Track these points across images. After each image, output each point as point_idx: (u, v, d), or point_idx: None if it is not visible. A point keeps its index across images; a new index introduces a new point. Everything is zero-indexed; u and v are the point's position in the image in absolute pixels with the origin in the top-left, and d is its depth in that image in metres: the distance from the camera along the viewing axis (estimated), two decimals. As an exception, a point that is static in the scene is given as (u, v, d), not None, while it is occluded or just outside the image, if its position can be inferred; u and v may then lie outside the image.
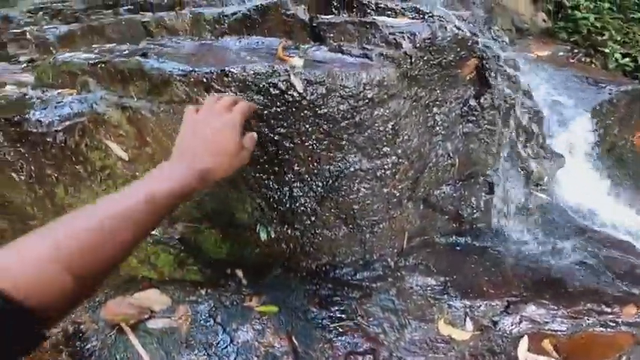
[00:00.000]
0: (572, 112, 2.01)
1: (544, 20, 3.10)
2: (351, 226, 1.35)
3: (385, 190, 1.36)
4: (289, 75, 1.12)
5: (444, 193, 1.53)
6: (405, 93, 1.28)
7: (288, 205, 1.29)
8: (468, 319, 1.26)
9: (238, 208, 1.29)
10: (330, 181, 1.28)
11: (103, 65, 1.31)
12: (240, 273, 1.32)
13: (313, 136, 1.20)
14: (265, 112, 1.15)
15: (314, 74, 1.13)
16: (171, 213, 0.62)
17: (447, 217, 1.58)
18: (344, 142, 1.22)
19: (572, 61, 2.69)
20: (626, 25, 3.07)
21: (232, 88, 1.11)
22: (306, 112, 1.16)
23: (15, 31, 2.26)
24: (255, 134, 0.85)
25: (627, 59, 2.99)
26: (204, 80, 1.12)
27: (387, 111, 1.22)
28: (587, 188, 1.94)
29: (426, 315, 1.26)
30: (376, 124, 1.22)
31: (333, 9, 1.62)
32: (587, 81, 2.29)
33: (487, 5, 2.88)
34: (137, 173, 1.31)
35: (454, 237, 1.56)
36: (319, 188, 1.28)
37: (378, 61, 1.28)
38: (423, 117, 1.37)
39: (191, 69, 1.15)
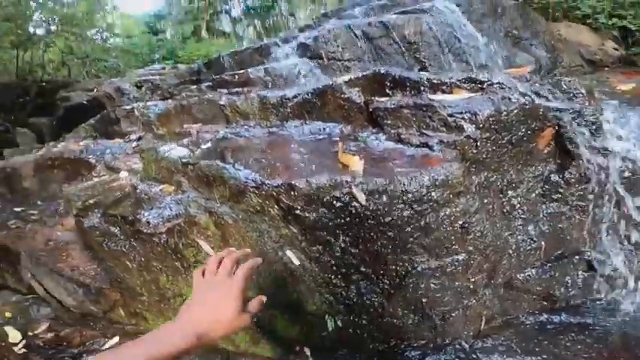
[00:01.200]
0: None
1: (615, 48, 2.76)
2: (420, 315, 1.19)
3: (457, 284, 1.17)
4: (351, 187, 1.04)
5: (529, 276, 1.29)
6: (474, 186, 1.11)
7: (355, 300, 1.20)
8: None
9: (307, 301, 1.29)
10: (397, 280, 1.15)
11: (192, 167, 1.43)
12: (308, 351, 1.33)
13: (378, 242, 1.08)
14: (330, 223, 1.10)
15: (375, 183, 1.02)
16: None
17: (534, 297, 1.32)
18: (409, 245, 1.08)
19: (664, 90, 2.29)
20: None
21: (299, 201, 1.09)
22: (370, 221, 1.05)
23: (126, 107, 2.59)
24: (262, 299, 0.84)
25: None
26: (274, 194, 1.14)
27: (455, 209, 1.06)
28: None
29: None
30: (444, 225, 1.06)
31: (387, 89, 1.55)
32: None
33: (548, 44, 2.62)
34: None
35: (545, 315, 1.30)
36: (386, 286, 1.16)
37: (440, 150, 1.14)
38: (497, 204, 1.18)
39: (261, 181, 1.18)
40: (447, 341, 1.24)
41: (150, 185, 1.59)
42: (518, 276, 1.29)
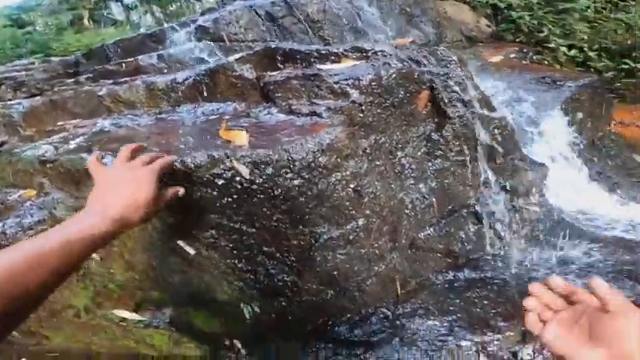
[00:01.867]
0: (541, 117, 1.90)
1: (487, 25, 3.08)
2: (336, 288, 1.17)
3: (363, 251, 1.19)
4: (232, 161, 0.97)
5: (429, 235, 1.37)
6: (362, 149, 1.13)
7: (266, 283, 1.14)
8: (482, 356, 1.12)
9: (217, 290, 1.21)
10: (304, 255, 1.12)
11: (51, 165, 1.26)
12: (238, 344, 1.27)
13: (274, 218, 1.03)
14: (217, 203, 1.03)
15: (258, 154, 0.97)
16: (88, 256, 0.66)
17: (438, 255, 1.42)
18: (307, 216, 1.05)
19: (524, 62, 2.62)
20: (559, 18, 3.07)
21: (182, 184, 0.97)
22: (259, 196, 0.99)
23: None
24: (180, 190, 0.85)
25: (574, 51, 2.95)
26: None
27: (345, 173, 1.06)
28: (577, 190, 1.80)
29: None
30: (337, 191, 1.05)
31: (279, 64, 1.50)
32: (545, 81, 2.19)
33: (434, 21, 2.85)
34: (112, 271, 1.30)
35: (451, 273, 1.41)
36: (294, 263, 1.12)
37: (328, 117, 1.13)
38: (388, 165, 1.21)
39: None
40: (370, 311, 1.25)
41: (6, 193, 1.37)
42: (419, 235, 1.35)
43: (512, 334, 1.14)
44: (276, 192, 0.99)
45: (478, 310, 1.24)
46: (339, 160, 1.04)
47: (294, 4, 2.51)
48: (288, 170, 0.99)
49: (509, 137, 1.55)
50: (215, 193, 1.00)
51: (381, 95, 1.18)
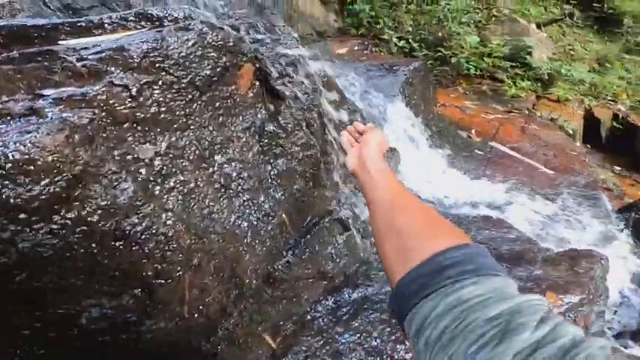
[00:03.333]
0: (383, 101, 1.75)
1: (335, 20, 2.98)
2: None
3: (185, 322, 0.70)
4: None
5: (289, 261, 0.98)
6: (147, 157, 0.63)
7: None
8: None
9: None
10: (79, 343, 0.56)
11: None
12: None
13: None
14: None
15: None
16: None
17: (309, 281, 1.04)
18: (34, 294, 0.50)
19: (366, 52, 2.59)
20: (394, 13, 3.24)
21: None
22: None
23: None
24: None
25: (402, 42, 3.12)
26: None
27: (86, 208, 0.54)
28: (430, 171, 1.70)
29: None
30: (75, 244, 0.53)
31: (1, 47, 0.85)
32: (384, 67, 2.15)
33: (285, 14, 2.56)
34: None
35: (331, 299, 1.06)
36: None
37: (53, 114, 0.59)
38: (202, 178, 0.75)
39: None
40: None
41: None
42: (275, 266, 0.93)
43: None
44: None
45: (375, 340, 0.94)
46: (51, 187, 0.50)
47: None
48: None
49: (361, 122, 1.27)
50: None
51: (171, 73, 0.70)
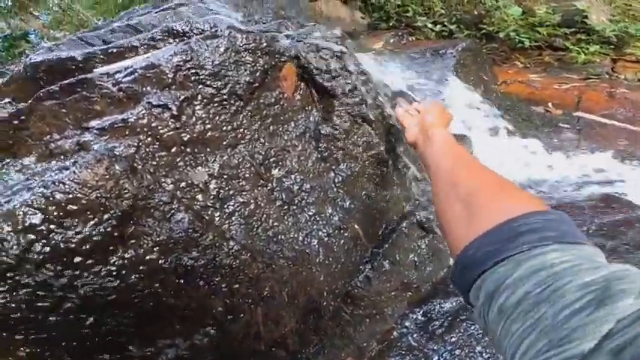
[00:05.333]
0: (437, 87, 1.61)
1: (362, 17, 2.94)
2: None
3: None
4: None
5: (367, 276, 0.87)
6: (200, 183, 0.57)
7: None
8: None
9: None
10: None
11: None
12: None
13: None
14: None
15: None
16: None
17: (392, 294, 0.91)
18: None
19: (403, 43, 2.48)
20: (421, 0, 3.12)
21: None
22: None
23: None
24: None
25: (438, 26, 2.96)
26: None
27: (141, 247, 0.48)
28: (513, 154, 1.51)
29: None
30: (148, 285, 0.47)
31: (44, 84, 0.88)
32: (427, 53, 2.03)
33: (312, 21, 2.60)
34: None
35: (419, 312, 0.93)
36: None
37: (99, 147, 0.56)
38: (261, 197, 0.68)
39: None
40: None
41: None
42: (354, 282, 0.83)
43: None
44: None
45: (481, 355, 0.80)
46: (101, 227, 0.45)
47: (143, 27, 1.92)
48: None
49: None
50: None
51: (208, 84, 0.65)
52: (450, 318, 0.88)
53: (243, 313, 0.60)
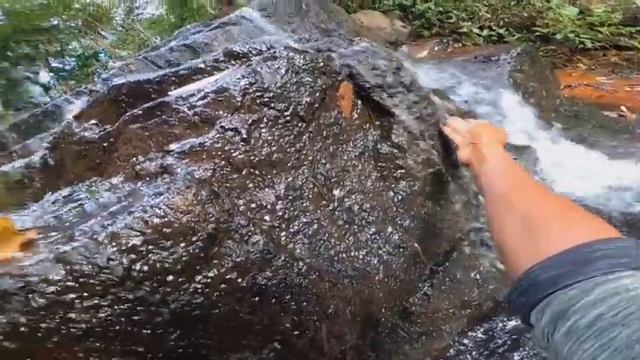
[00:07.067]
0: (493, 96, 1.57)
1: (403, 26, 2.94)
2: None
3: None
4: None
5: (426, 293, 0.87)
6: (262, 205, 0.61)
7: None
8: None
9: None
10: None
11: None
12: None
13: None
14: None
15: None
16: None
17: (451, 311, 0.90)
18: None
19: (449, 50, 2.44)
20: (462, 4, 3.06)
21: None
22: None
23: None
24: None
25: (486, 31, 2.89)
26: None
27: (218, 267, 0.52)
28: (582, 165, 1.42)
29: None
30: (220, 307, 0.51)
31: (126, 107, 0.98)
32: (479, 60, 1.98)
33: (353, 33, 2.65)
34: None
35: (480, 329, 0.91)
36: None
37: (181, 170, 0.61)
38: (324, 217, 0.70)
39: None
40: None
41: None
42: (412, 299, 0.84)
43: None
44: (78, 332, 0.42)
45: None
46: (190, 248, 0.49)
47: (197, 46, 2.10)
48: (75, 297, 0.42)
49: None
50: None
51: (272, 106, 0.70)
52: (514, 336, 0.86)
53: (309, 330, 0.62)
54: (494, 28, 2.89)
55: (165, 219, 0.46)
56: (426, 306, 0.87)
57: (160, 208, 0.46)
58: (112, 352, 0.48)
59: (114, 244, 0.45)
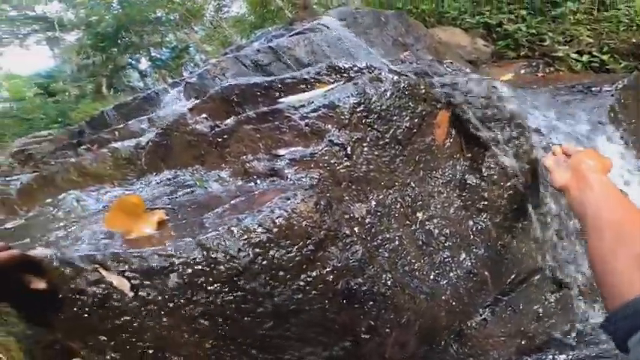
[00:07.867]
0: (589, 132, 1.49)
1: (485, 45, 2.83)
2: None
3: None
4: (100, 271, 0.53)
5: (484, 319, 0.89)
6: (354, 218, 0.68)
7: None
8: None
9: None
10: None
11: None
12: None
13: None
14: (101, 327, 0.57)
15: (147, 259, 0.53)
16: None
17: (502, 339, 0.91)
18: (266, 344, 0.58)
19: (539, 75, 2.31)
20: (560, 27, 2.86)
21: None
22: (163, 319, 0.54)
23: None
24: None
25: (586, 57, 2.68)
26: None
27: (322, 269, 0.60)
28: None
29: None
30: (313, 302, 0.59)
31: (235, 107, 1.11)
32: (577, 89, 1.85)
33: (431, 48, 2.61)
34: None
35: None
36: None
37: (291, 176, 0.70)
38: (406, 235, 0.76)
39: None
40: None
41: None
42: (469, 323, 0.87)
43: None
44: (197, 310, 0.52)
45: None
46: (303, 250, 0.57)
47: (280, 49, 2.27)
48: (204, 280, 0.52)
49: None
50: (87, 315, 0.53)
51: (375, 127, 0.76)
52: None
53: (380, 335, 0.68)
54: (595, 54, 2.67)
55: (290, 221, 0.55)
56: (482, 331, 0.89)
57: (286, 211, 0.55)
58: (211, 334, 0.58)
59: (245, 237, 0.54)
